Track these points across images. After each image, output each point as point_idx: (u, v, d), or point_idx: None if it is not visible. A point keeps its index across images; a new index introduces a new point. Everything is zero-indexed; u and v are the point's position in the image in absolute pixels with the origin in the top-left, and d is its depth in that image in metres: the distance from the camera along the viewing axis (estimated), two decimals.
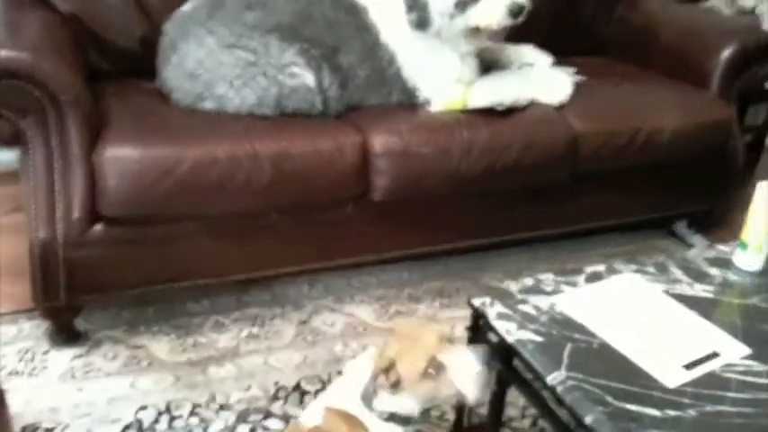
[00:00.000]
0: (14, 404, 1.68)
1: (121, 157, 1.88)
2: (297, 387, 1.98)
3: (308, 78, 2.15)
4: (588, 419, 1.36)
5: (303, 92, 2.15)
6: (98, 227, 1.93)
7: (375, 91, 2.31)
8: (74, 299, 1.99)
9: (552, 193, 2.46)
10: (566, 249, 2.71)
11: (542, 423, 1.93)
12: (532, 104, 2.37)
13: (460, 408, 1.80)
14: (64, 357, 2.03)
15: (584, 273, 1.79)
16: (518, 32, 2.51)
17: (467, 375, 1.47)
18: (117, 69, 2.31)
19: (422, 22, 2.25)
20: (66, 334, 2.07)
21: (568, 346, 1.53)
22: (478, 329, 1.67)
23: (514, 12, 2.21)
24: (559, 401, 1.44)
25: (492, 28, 2.26)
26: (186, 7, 2.25)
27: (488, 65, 2.55)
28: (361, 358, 1.61)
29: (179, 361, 2.05)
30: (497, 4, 2.20)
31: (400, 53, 2.31)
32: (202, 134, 2.01)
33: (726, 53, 2.66)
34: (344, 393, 1.53)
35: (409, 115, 2.28)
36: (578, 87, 2.49)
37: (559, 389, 1.43)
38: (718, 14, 3.26)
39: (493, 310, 1.63)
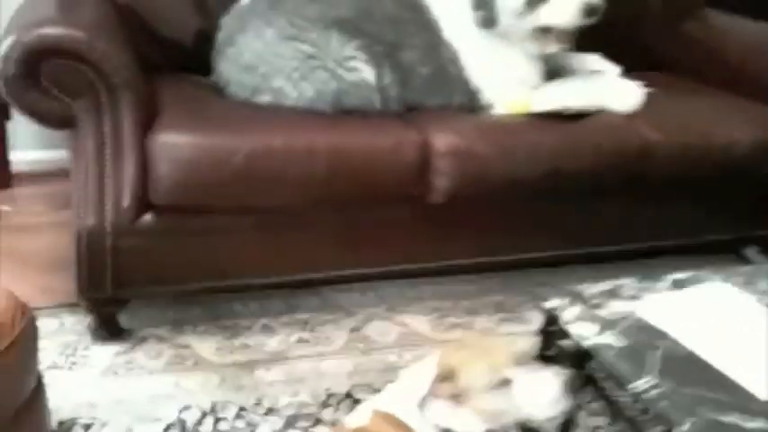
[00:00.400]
0: (53, 398, 1.58)
1: (175, 143, 1.81)
2: (349, 395, 1.86)
3: (369, 74, 2.06)
4: (681, 430, 1.23)
5: (363, 88, 2.06)
6: (148, 216, 1.85)
7: (436, 91, 2.21)
8: (120, 290, 1.91)
9: (619, 206, 2.32)
10: (630, 269, 2.56)
11: None
12: (602, 111, 2.25)
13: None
14: (106, 353, 1.94)
15: (667, 280, 1.66)
16: (578, 44, 2.40)
17: (537, 393, 1.34)
18: (170, 63, 2.24)
19: (488, 21, 2.16)
20: (109, 329, 1.98)
21: (655, 353, 1.40)
22: (549, 336, 1.55)
23: (587, 11, 2.10)
24: (645, 411, 1.31)
25: (563, 28, 2.15)
26: (245, 1, 2.19)
27: (553, 73, 2.44)
28: (419, 365, 1.49)
29: (225, 362, 1.95)
30: (570, 2, 2.10)
31: (463, 53, 2.22)
32: (258, 125, 1.93)
33: None
34: (397, 399, 1.39)
35: (472, 117, 2.18)
36: (647, 98, 2.37)
37: (646, 397, 1.30)
38: None
39: (569, 314, 1.50)
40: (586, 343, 1.42)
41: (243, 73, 2.06)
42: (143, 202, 1.84)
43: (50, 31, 1.72)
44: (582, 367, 1.46)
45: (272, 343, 2.04)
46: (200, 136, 1.83)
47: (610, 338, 1.42)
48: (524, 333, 1.98)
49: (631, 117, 2.27)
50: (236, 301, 2.19)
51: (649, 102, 2.35)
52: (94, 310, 1.96)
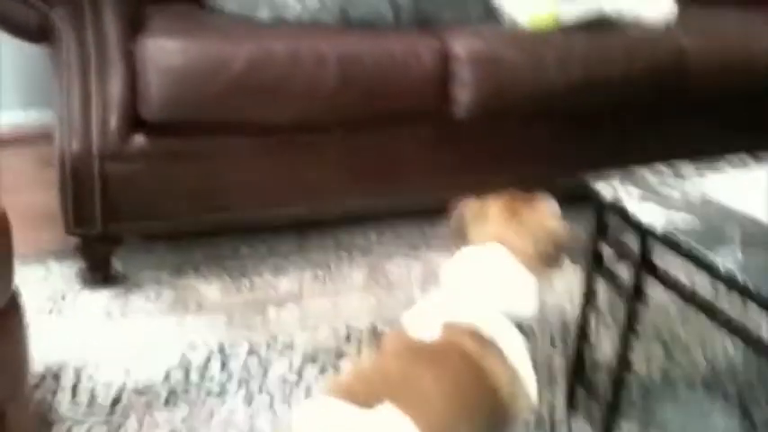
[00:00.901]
0: (39, 343, 1.37)
1: (166, 49, 1.60)
2: (373, 330, 1.65)
3: None
4: None
5: None
6: (139, 137, 1.65)
7: (452, 5, 2.02)
8: (111, 226, 1.70)
9: (656, 123, 2.12)
10: None
11: (675, 373, 1.58)
12: (634, 20, 2.06)
13: (581, 339, 1.45)
14: (99, 298, 1.73)
15: (729, 161, 1.46)
16: None
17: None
18: None
19: None
20: (102, 273, 1.77)
21: (736, 228, 1.19)
22: (604, 223, 1.34)
23: None
24: (732, 285, 1.10)
25: None
26: None
27: None
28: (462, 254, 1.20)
29: (233, 302, 1.74)
30: None
31: None
32: (259, 32, 1.75)
33: None
34: (458, 300, 1.13)
35: (494, 26, 1.98)
36: (682, 8, 2.17)
37: (736, 269, 1.09)
38: None
39: (628, 195, 1.29)
40: (655, 223, 1.22)
41: None
42: (133, 121, 1.64)
43: None
44: (646, 255, 1.26)
45: (284, 282, 1.83)
46: (195, 41, 1.64)
47: (681, 216, 1.22)
48: None
49: (667, 25, 2.08)
50: (241, 243, 1.98)
51: (684, 12, 2.15)
52: (85, 251, 1.75)
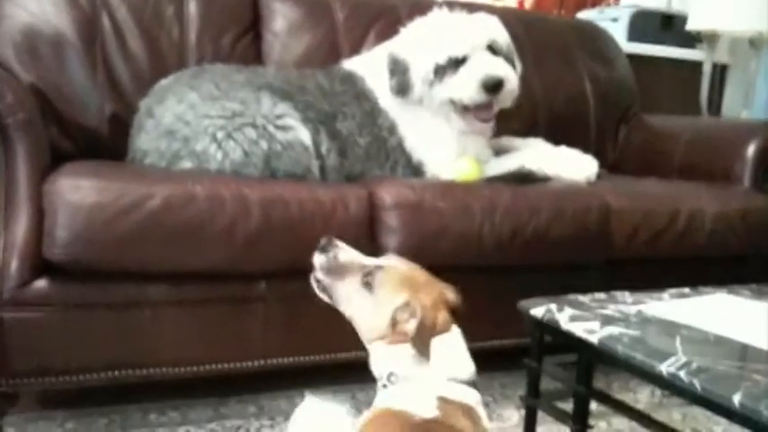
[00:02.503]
0: None
1: (77, 186, 1.53)
2: None
3: (303, 134, 1.88)
4: (736, 398, 0.93)
5: (297, 150, 1.86)
6: (41, 282, 1.54)
7: (377, 162, 2.04)
8: (4, 380, 1.52)
9: (585, 283, 2.08)
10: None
11: None
12: (558, 179, 2.10)
13: None
14: None
15: (667, 291, 1.41)
16: None
17: None
18: (80, 150, 1.99)
19: (402, 88, 2.04)
20: None
21: (677, 336, 1.12)
22: (541, 343, 1.25)
23: (488, 87, 1.98)
24: (680, 392, 1.01)
25: (465, 103, 2.02)
26: (166, 80, 2.01)
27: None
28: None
29: None
30: (470, 77, 1.99)
31: (401, 123, 2.07)
32: (179, 175, 1.70)
33: (752, 148, 2.44)
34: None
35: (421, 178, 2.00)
36: (606, 174, 2.24)
37: (683, 373, 1.00)
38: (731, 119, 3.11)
39: (563, 315, 1.22)
40: (592, 338, 1.14)
41: (162, 139, 1.84)
42: (36, 264, 1.53)
43: None
44: (588, 367, 1.16)
45: None
46: (109, 179, 1.57)
47: (620, 329, 1.15)
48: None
49: (593, 184, 2.12)
50: (151, 408, 1.80)
51: (607, 176, 2.21)
52: None
